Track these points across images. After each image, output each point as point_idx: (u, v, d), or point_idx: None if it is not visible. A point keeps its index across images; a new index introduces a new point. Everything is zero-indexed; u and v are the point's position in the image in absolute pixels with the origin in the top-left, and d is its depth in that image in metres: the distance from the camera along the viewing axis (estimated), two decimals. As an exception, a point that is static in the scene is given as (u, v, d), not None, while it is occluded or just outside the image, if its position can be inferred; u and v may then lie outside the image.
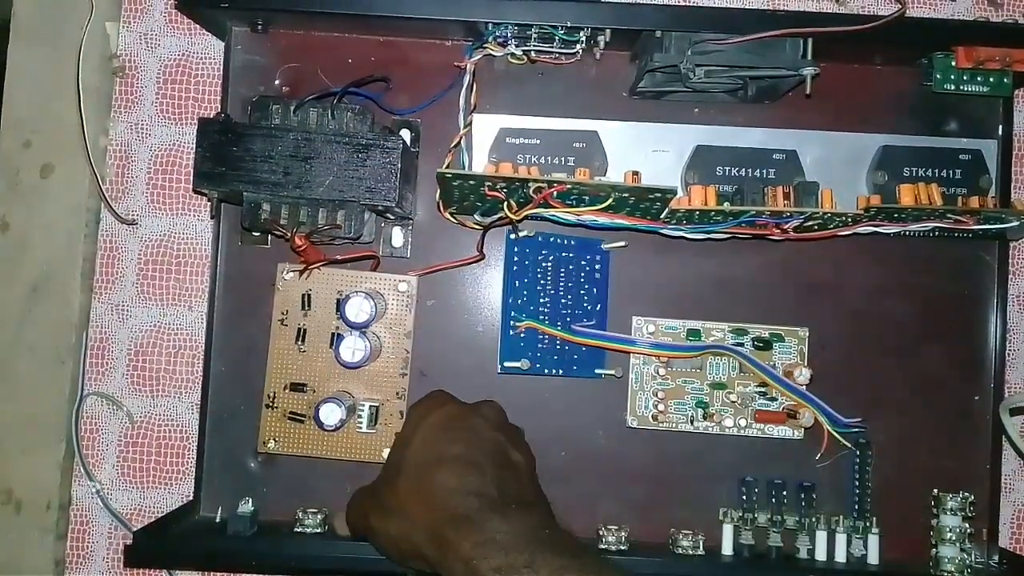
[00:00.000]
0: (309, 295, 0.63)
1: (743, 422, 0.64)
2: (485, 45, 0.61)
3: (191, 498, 0.64)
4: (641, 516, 0.64)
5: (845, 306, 0.65)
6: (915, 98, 0.65)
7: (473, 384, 0.64)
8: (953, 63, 0.62)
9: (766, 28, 0.57)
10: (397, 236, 0.65)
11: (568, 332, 0.62)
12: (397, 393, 0.63)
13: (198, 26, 0.66)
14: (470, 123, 0.61)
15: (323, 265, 0.61)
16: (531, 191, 0.56)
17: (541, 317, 0.62)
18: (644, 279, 0.65)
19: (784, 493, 0.64)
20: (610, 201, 0.57)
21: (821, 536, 0.63)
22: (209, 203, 0.62)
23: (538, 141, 0.62)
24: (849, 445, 0.63)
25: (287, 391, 0.63)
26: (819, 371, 0.63)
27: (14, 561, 0.65)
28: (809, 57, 0.59)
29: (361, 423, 0.61)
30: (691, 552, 0.62)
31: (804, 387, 0.62)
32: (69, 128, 0.66)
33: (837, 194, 0.59)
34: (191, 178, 0.60)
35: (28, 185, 0.67)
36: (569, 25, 0.58)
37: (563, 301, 0.63)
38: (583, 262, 0.64)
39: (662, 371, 0.64)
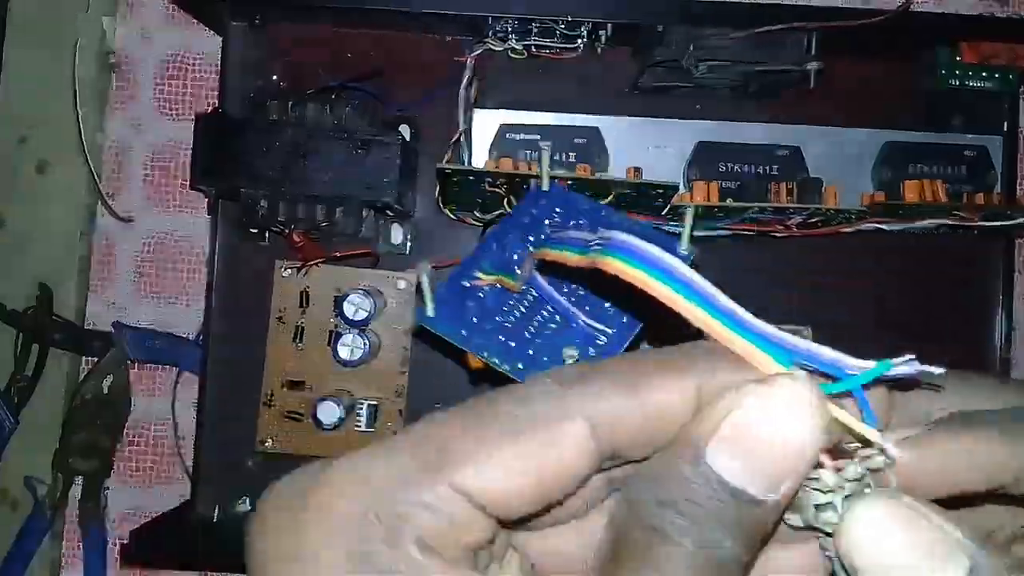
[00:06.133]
0: (307, 292, 0.62)
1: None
2: (485, 40, 0.60)
3: (188, 497, 0.64)
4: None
5: (849, 303, 0.65)
6: (920, 93, 0.65)
7: (472, 383, 0.64)
8: (959, 58, 0.61)
9: (769, 22, 0.57)
10: (396, 233, 0.64)
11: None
12: (396, 391, 0.63)
13: (196, 21, 0.66)
14: (470, 119, 0.61)
15: (321, 262, 0.61)
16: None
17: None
18: (646, 276, 0.65)
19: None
20: (611, 198, 0.57)
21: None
22: (207, 200, 0.61)
23: (539, 137, 0.62)
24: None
25: (285, 389, 0.62)
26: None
27: (10, 561, 0.65)
28: (813, 52, 0.58)
29: (360, 422, 0.61)
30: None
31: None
32: (65, 124, 0.65)
33: (841, 191, 0.59)
34: (188, 175, 0.59)
35: (24, 182, 0.66)
36: (570, 19, 0.58)
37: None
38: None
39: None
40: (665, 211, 0.58)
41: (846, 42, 0.60)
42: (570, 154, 0.61)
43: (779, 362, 0.23)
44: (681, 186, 0.60)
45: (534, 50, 0.61)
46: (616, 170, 0.61)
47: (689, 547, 0.22)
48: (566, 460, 0.23)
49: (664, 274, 0.23)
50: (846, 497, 0.23)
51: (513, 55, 0.61)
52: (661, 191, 0.56)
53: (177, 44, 0.67)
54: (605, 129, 0.62)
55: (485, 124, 0.62)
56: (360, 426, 0.61)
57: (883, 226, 0.60)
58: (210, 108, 0.65)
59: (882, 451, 0.22)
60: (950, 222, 0.60)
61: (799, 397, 0.22)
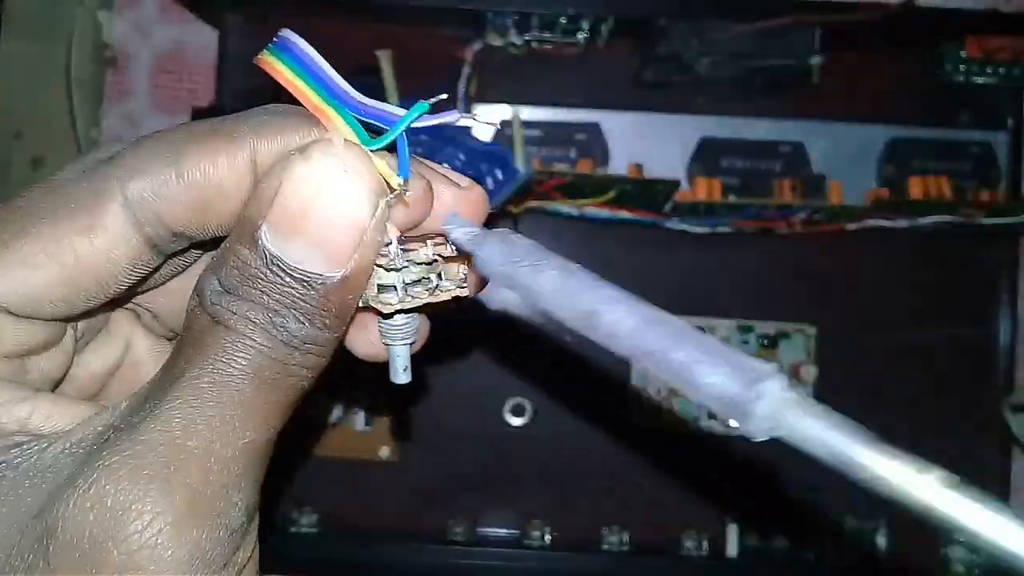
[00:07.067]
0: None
1: (748, 420, 0.63)
2: (485, 34, 0.59)
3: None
4: (644, 517, 0.63)
5: (853, 302, 0.64)
6: (925, 89, 0.64)
7: (476, 372, 0.63)
8: (964, 53, 0.61)
9: (773, 16, 0.56)
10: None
11: None
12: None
13: (192, 15, 0.65)
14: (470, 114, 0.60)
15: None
16: (532, 183, 0.55)
17: None
18: (647, 274, 0.64)
19: (790, 492, 0.63)
20: (612, 193, 0.56)
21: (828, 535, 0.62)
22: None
23: (539, 132, 0.61)
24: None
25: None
26: (826, 368, 0.62)
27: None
28: (817, 46, 0.58)
29: (357, 420, 0.61)
30: (695, 553, 0.61)
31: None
32: (61, 119, 0.65)
33: (845, 187, 0.58)
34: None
35: (19, 177, 0.65)
36: (571, 12, 0.57)
37: None
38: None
39: (665, 368, 0.63)
40: (667, 208, 0.58)
41: (850, 37, 0.60)
42: (570, 150, 0.61)
43: (348, 122, 0.21)
44: (683, 182, 0.59)
45: (534, 45, 0.60)
46: (617, 166, 0.60)
47: (251, 335, 0.20)
48: (101, 248, 0.21)
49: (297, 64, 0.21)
50: (413, 282, 0.22)
51: (513, 50, 0.61)
52: (662, 188, 0.55)
53: (173, 38, 0.66)
54: (606, 124, 0.61)
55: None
56: (357, 425, 0.60)
57: (887, 223, 0.60)
58: (207, 103, 0.64)
59: (398, 189, 0.21)
60: (955, 219, 0.60)
61: (337, 163, 0.20)
